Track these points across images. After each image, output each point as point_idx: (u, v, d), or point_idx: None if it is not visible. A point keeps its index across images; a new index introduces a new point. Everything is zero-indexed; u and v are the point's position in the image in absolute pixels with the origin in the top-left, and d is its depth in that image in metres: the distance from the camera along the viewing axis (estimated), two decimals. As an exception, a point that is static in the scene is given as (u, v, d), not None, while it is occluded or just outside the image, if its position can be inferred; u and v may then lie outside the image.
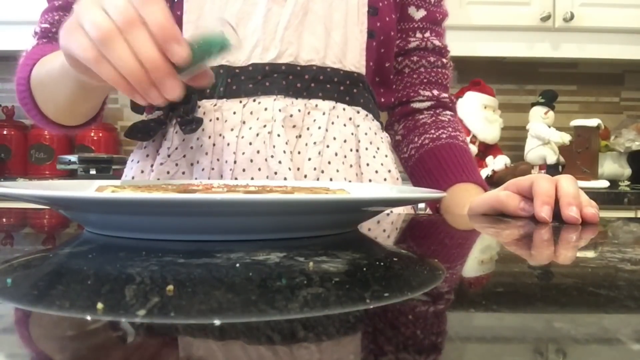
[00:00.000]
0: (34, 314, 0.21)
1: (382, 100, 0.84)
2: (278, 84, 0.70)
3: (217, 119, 0.70)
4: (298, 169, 0.69)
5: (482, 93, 1.92)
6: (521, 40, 1.85)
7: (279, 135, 0.68)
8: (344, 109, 0.73)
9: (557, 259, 0.36)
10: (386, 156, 0.77)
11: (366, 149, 0.74)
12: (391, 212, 0.68)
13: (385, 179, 0.74)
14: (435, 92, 0.85)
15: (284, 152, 0.67)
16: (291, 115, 0.70)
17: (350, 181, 0.70)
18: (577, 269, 0.32)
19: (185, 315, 0.20)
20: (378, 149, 0.76)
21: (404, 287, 0.26)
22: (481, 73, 2.03)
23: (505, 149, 2.00)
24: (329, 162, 0.70)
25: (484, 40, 1.85)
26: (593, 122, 1.81)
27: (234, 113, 0.70)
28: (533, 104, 1.99)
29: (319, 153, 0.69)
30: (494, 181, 1.79)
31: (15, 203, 0.94)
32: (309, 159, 0.69)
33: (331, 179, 0.69)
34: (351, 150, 0.72)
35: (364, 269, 0.30)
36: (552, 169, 1.88)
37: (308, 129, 0.71)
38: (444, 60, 0.86)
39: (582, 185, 1.42)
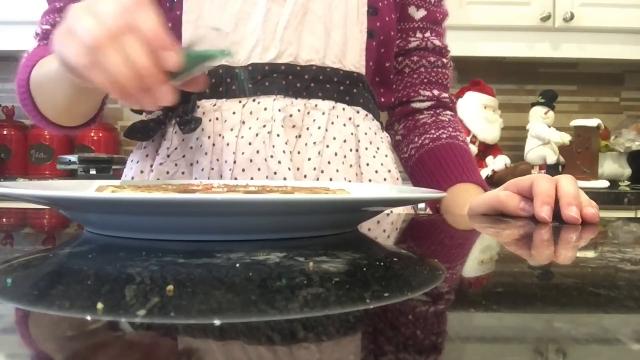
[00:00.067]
0: (34, 314, 0.21)
1: (382, 100, 0.84)
2: (278, 83, 0.70)
3: (217, 119, 0.70)
4: (298, 169, 0.69)
5: (482, 93, 1.92)
6: (521, 40, 1.85)
7: (278, 135, 0.68)
8: (343, 109, 0.73)
9: (557, 259, 0.36)
10: (386, 156, 0.77)
11: (366, 148, 0.74)
12: (391, 212, 0.68)
13: (385, 179, 0.74)
14: (436, 92, 0.85)
15: (284, 152, 0.67)
16: (291, 115, 0.70)
17: (350, 181, 0.70)
18: (577, 269, 0.32)
19: (185, 315, 0.20)
20: (378, 148, 0.76)
21: (404, 287, 0.26)
22: (481, 73, 2.03)
23: (505, 149, 2.00)
24: (329, 162, 0.70)
25: (484, 40, 1.85)
26: (593, 122, 1.81)
27: (234, 113, 0.70)
28: (533, 104, 1.99)
29: (319, 153, 0.69)
30: (494, 181, 1.79)
31: (15, 203, 0.94)
32: (309, 159, 0.69)
33: (331, 179, 0.69)
34: (351, 150, 0.72)
35: (364, 269, 0.30)
36: (552, 169, 1.88)
37: (308, 128, 0.71)
38: (444, 60, 0.86)
39: (582, 185, 1.42)
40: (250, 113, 0.69)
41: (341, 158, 0.71)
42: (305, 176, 0.68)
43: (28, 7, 1.72)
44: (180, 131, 0.70)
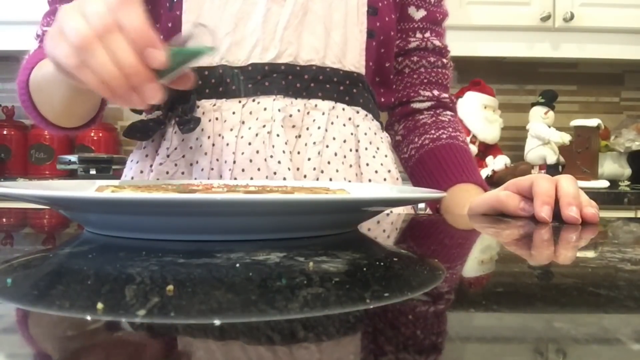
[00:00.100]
0: (34, 314, 0.21)
1: (382, 100, 0.84)
2: (277, 83, 0.70)
3: (217, 119, 0.70)
4: (298, 169, 0.69)
5: (482, 93, 1.92)
6: (521, 40, 1.85)
7: (278, 135, 0.68)
8: (343, 109, 0.73)
9: (557, 259, 0.36)
10: (386, 156, 0.77)
11: (366, 148, 0.74)
12: (391, 212, 0.68)
13: (385, 179, 0.74)
14: (436, 92, 0.85)
15: (283, 152, 0.67)
16: (290, 115, 0.70)
17: (349, 181, 0.70)
18: (577, 269, 0.32)
19: (185, 315, 0.20)
20: (378, 148, 0.76)
21: (404, 287, 0.26)
22: (481, 73, 2.03)
23: (505, 149, 2.00)
24: (329, 162, 0.70)
25: (484, 40, 1.85)
26: (593, 122, 1.81)
27: (233, 113, 0.70)
28: (533, 104, 1.99)
29: (319, 153, 0.69)
30: (494, 181, 1.79)
31: (15, 203, 0.94)
32: (309, 159, 0.69)
33: (331, 179, 0.69)
34: (351, 150, 0.72)
35: (364, 269, 0.30)
36: (552, 169, 1.88)
37: (307, 129, 0.71)
38: (444, 60, 0.86)
39: (582, 185, 1.42)
40: (250, 113, 0.69)
41: (341, 158, 0.71)
42: (305, 176, 0.68)
43: (28, 7, 1.73)
44: (180, 131, 0.70)
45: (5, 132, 2.02)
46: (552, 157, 1.89)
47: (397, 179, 0.77)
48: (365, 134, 0.74)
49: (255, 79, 0.70)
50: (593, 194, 1.56)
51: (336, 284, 0.25)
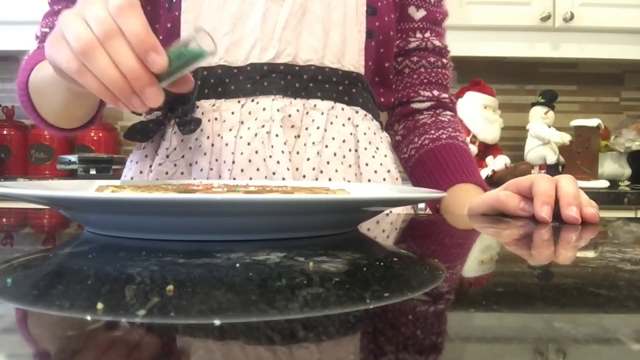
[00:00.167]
0: (34, 314, 0.21)
1: (382, 100, 0.84)
2: (276, 83, 0.70)
3: (216, 119, 0.70)
4: (297, 169, 0.69)
5: (482, 93, 1.92)
6: (521, 40, 1.85)
7: (277, 136, 0.68)
8: (342, 109, 0.73)
9: (557, 259, 0.36)
10: (385, 156, 0.77)
11: (365, 148, 0.74)
12: (390, 212, 0.68)
13: (384, 179, 0.74)
14: (436, 92, 0.85)
15: (282, 152, 0.67)
16: (289, 115, 0.70)
17: (349, 181, 0.70)
18: (577, 269, 0.32)
19: (185, 315, 0.20)
20: (377, 148, 0.76)
21: (404, 287, 0.26)
22: (481, 73, 2.03)
23: (505, 149, 2.00)
24: (328, 162, 0.70)
25: (484, 40, 1.85)
26: (593, 122, 1.81)
27: (232, 113, 0.70)
28: (533, 104, 1.99)
29: (318, 153, 0.69)
30: (494, 181, 1.79)
31: (15, 203, 0.94)
32: (308, 159, 0.69)
33: (330, 179, 0.69)
34: (350, 150, 0.72)
35: (364, 269, 0.30)
36: (552, 169, 1.88)
37: (307, 129, 0.71)
38: (444, 60, 0.86)
39: (582, 185, 1.42)
40: (249, 113, 0.69)
41: (340, 158, 0.71)
42: (304, 176, 0.68)
43: (28, 7, 1.73)
44: (180, 132, 0.70)
45: (5, 132, 2.02)
46: (552, 157, 1.89)
47: (397, 178, 0.77)
48: (365, 133, 0.74)
49: (254, 79, 0.70)
50: (593, 194, 1.56)
51: (336, 284, 0.25)
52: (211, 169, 0.69)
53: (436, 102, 0.85)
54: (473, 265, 0.35)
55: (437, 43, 0.84)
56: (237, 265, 0.29)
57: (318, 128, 0.70)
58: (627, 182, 1.93)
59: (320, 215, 0.39)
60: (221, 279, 0.26)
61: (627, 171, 1.93)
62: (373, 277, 0.27)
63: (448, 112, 0.86)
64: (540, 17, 1.81)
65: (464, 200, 0.71)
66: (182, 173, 0.71)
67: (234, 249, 0.33)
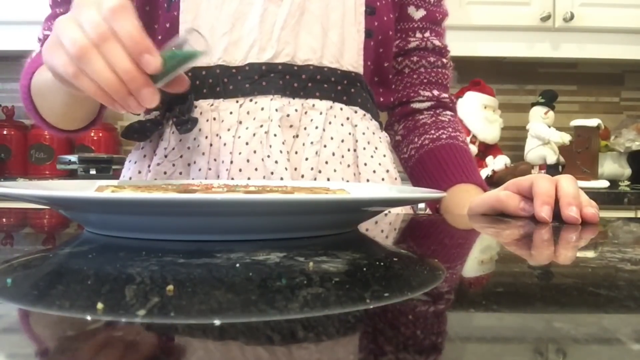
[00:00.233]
0: (34, 314, 0.21)
1: (381, 100, 0.83)
2: (275, 83, 0.70)
3: (214, 119, 0.70)
4: (295, 169, 0.69)
5: (482, 93, 1.92)
6: (521, 40, 1.85)
7: (275, 135, 0.68)
8: (341, 109, 0.73)
9: (557, 259, 0.36)
10: (384, 156, 0.77)
11: (364, 148, 0.74)
12: (389, 212, 0.68)
13: (383, 179, 0.74)
14: (436, 92, 0.85)
15: (281, 152, 0.67)
16: (288, 115, 0.70)
17: (347, 181, 0.70)
18: (577, 269, 0.32)
19: (185, 315, 0.20)
20: (376, 148, 0.76)
21: (404, 287, 0.26)
22: (481, 73, 2.03)
23: (505, 149, 2.00)
24: (326, 162, 0.70)
25: (484, 40, 1.85)
26: (593, 122, 1.81)
27: (231, 113, 0.70)
28: (533, 104, 1.99)
29: (316, 153, 0.69)
30: (494, 181, 1.79)
31: (15, 203, 0.94)
32: (306, 159, 0.69)
33: (328, 179, 0.69)
34: (349, 150, 0.72)
35: (364, 269, 0.30)
36: (552, 169, 1.88)
37: (305, 128, 0.70)
38: (444, 60, 0.86)
39: (582, 185, 1.42)
40: (248, 113, 0.69)
41: (339, 158, 0.71)
42: (302, 176, 0.68)
43: (28, 7, 1.73)
44: (177, 131, 0.70)
45: (5, 132, 2.02)
46: (552, 157, 1.89)
47: (396, 178, 0.77)
48: (364, 133, 0.74)
49: (253, 78, 0.70)
50: (593, 194, 1.56)
51: (336, 284, 0.25)
52: (209, 169, 0.69)
53: (436, 102, 0.85)
54: (473, 265, 0.35)
55: (437, 43, 0.84)
56: (237, 265, 0.29)
57: (317, 128, 0.70)
58: (627, 182, 1.93)
59: (320, 215, 0.39)
60: (221, 279, 0.26)
61: (627, 171, 1.93)
62: (373, 277, 0.27)
63: (448, 112, 0.86)
64: (540, 17, 1.81)
65: (464, 200, 0.71)
66: (180, 173, 0.71)
67: (234, 249, 0.33)
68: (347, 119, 0.73)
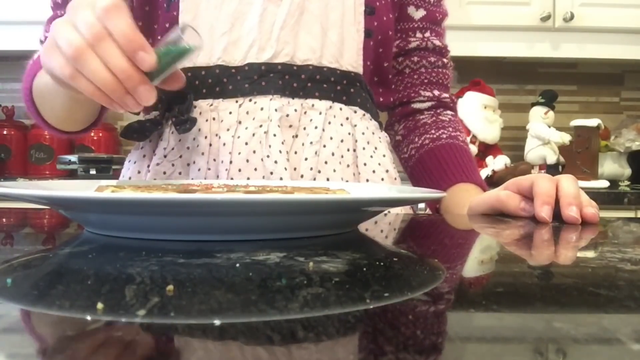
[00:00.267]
0: (34, 314, 0.21)
1: (381, 99, 0.83)
2: (274, 83, 0.70)
3: (214, 119, 0.70)
4: (295, 169, 0.69)
5: (482, 93, 1.92)
6: (521, 40, 1.85)
7: (275, 135, 0.68)
8: (340, 109, 0.73)
9: (557, 259, 0.36)
10: (384, 156, 0.76)
11: (363, 148, 0.74)
12: (389, 212, 0.68)
13: (382, 179, 0.74)
14: (436, 92, 0.85)
15: (280, 152, 0.67)
16: (287, 115, 0.70)
17: (347, 181, 0.70)
18: (577, 269, 0.32)
19: (185, 315, 0.20)
20: (376, 148, 0.76)
21: (404, 287, 0.26)
22: (481, 73, 2.03)
23: (505, 149, 2.00)
24: (326, 162, 0.70)
25: (484, 40, 1.85)
26: (593, 122, 1.81)
27: (230, 113, 0.70)
28: (533, 104, 1.99)
29: (316, 153, 0.69)
30: (494, 181, 1.79)
31: (15, 203, 0.94)
32: (306, 159, 0.69)
33: (328, 179, 0.69)
34: (348, 150, 0.72)
35: (364, 269, 0.30)
36: (552, 169, 1.88)
37: (305, 128, 0.70)
38: (445, 60, 0.86)
39: (582, 185, 1.42)
40: (247, 113, 0.69)
41: (338, 158, 0.71)
42: (302, 176, 0.68)
43: (28, 7, 1.73)
44: (177, 131, 0.70)
45: (5, 132, 2.02)
46: (552, 157, 1.89)
47: (395, 178, 0.77)
48: (363, 133, 0.74)
49: (252, 78, 0.70)
50: (593, 194, 1.56)
51: (336, 284, 0.25)
52: (209, 169, 0.69)
53: (437, 102, 0.85)
54: (473, 265, 0.35)
55: (437, 43, 0.84)
56: (237, 265, 0.29)
57: (316, 128, 0.70)
58: (627, 182, 1.93)
59: (320, 215, 0.39)
60: (221, 279, 0.26)
61: (627, 171, 1.93)
62: (373, 277, 0.27)
63: (449, 112, 0.86)
64: (540, 17, 1.81)
65: (464, 200, 0.71)
66: (179, 173, 0.71)
67: (234, 249, 0.33)
68: (347, 119, 0.73)
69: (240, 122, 0.69)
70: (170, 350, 0.18)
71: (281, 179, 0.66)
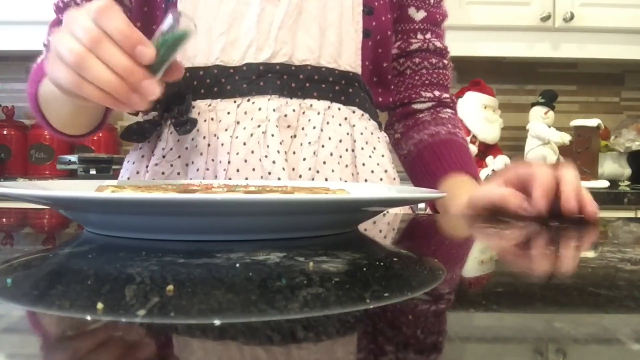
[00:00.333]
0: (34, 314, 0.21)
1: (380, 100, 0.83)
2: (272, 83, 0.70)
3: (212, 119, 0.70)
4: (293, 169, 0.69)
5: (482, 93, 1.92)
6: (521, 40, 1.85)
7: (273, 135, 0.68)
8: (339, 109, 0.73)
9: (557, 258, 0.36)
10: (383, 156, 0.76)
11: (362, 148, 0.74)
12: (387, 212, 0.68)
13: (381, 179, 0.74)
14: (437, 92, 0.85)
15: (278, 152, 0.67)
16: (285, 115, 0.70)
17: (346, 181, 0.70)
18: (577, 269, 0.32)
19: (185, 315, 0.20)
20: (374, 148, 0.76)
21: (404, 287, 0.26)
22: (481, 73, 2.03)
23: (505, 149, 2.00)
24: (324, 162, 0.70)
25: (484, 40, 1.85)
26: (593, 122, 1.81)
27: (228, 113, 0.70)
28: (533, 104, 1.99)
29: (314, 153, 0.69)
30: (494, 181, 1.78)
31: (15, 203, 0.94)
32: (304, 159, 0.69)
33: (326, 179, 0.69)
34: (347, 150, 0.72)
35: (364, 269, 0.30)
36: (552, 169, 1.87)
37: (303, 128, 0.70)
38: (445, 61, 0.86)
39: (582, 185, 1.42)
40: (245, 113, 0.69)
41: (337, 158, 0.71)
42: (300, 176, 0.68)
43: (28, 7, 1.73)
44: (177, 132, 0.70)
45: (5, 132, 2.02)
46: (552, 157, 1.89)
47: (394, 178, 0.77)
48: (362, 133, 0.74)
49: (250, 78, 0.70)
50: (593, 194, 1.55)
51: (336, 284, 0.25)
52: (207, 169, 0.69)
53: (437, 102, 0.85)
54: (473, 265, 0.35)
55: (438, 44, 0.84)
56: (237, 265, 0.29)
57: (314, 128, 0.70)
58: (627, 182, 1.93)
59: (320, 215, 0.39)
60: (221, 279, 0.26)
61: (627, 171, 1.93)
62: (373, 277, 0.27)
63: (448, 110, 0.86)
64: (540, 17, 1.81)
65: (460, 190, 0.70)
66: (178, 173, 0.71)
67: (234, 249, 0.33)
68: (345, 119, 0.73)
69: (238, 122, 0.69)
70: (170, 350, 0.18)
71: (279, 179, 0.66)
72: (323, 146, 0.70)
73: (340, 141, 0.72)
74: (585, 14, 1.81)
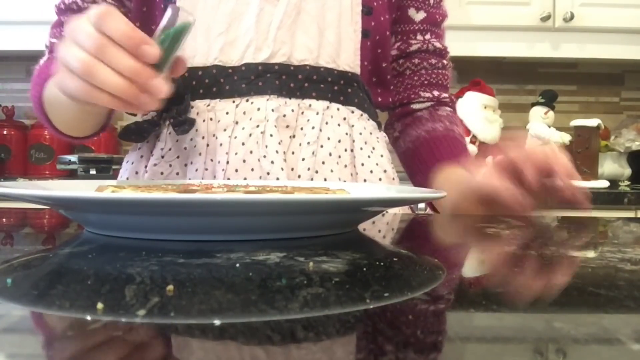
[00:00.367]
0: (34, 314, 0.21)
1: (380, 100, 0.83)
2: (271, 83, 0.70)
3: (211, 119, 0.70)
4: (292, 169, 0.69)
5: (482, 93, 1.92)
6: (521, 40, 1.85)
7: (271, 136, 0.68)
8: (338, 109, 0.73)
9: (558, 258, 0.36)
10: (382, 156, 0.76)
11: (361, 148, 0.74)
12: (387, 212, 0.68)
13: (380, 179, 0.74)
14: (436, 92, 0.85)
15: (277, 152, 0.67)
16: (284, 115, 0.70)
17: (344, 181, 0.70)
18: (577, 269, 0.32)
19: (185, 315, 0.20)
20: (373, 148, 0.76)
21: (404, 287, 0.26)
22: (481, 73, 2.03)
23: (505, 149, 1.99)
24: (323, 162, 0.70)
25: (484, 40, 1.85)
26: (593, 122, 1.81)
27: (227, 113, 0.70)
28: (533, 104, 1.99)
29: (313, 153, 0.69)
30: (494, 181, 1.78)
31: (15, 203, 0.94)
32: (303, 159, 0.69)
33: (325, 179, 0.69)
34: (345, 150, 0.72)
35: (364, 269, 0.30)
36: (552, 169, 1.87)
37: (302, 129, 0.70)
38: (445, 61, 0.86)
39: (582, 186, 1.42)
40: (244, 113, 0.69)
41: (335, 158, 0.71)
42: (299, 176, 0.68)
43: (28, 7, 1.73)
44: (175, 132, 0.70)
45: (5, 132, 2.01)
46: (552, 157, 1.89)
47: (393, 179, 0.77)
48: (361, 133, 0.74)
49: (249, 79, 0.70)
50: (593, 194, 1.56)
51: (336, 284, 0.26)
52: (206, 169, 0.69)
53: (436, 102, 0.85)
54: (473, 265, 0.35)
55: (437, 45, 0.84)
56: (237, 265, 0.29)
57: (313, 128, 0.70)
58: (627, 182, 1.93)
59: (320, 215, 0.39)
60: (221, 279, 0.26)
61: (627, 171, 1.93)
62: (373, 277, 0.27)
63: (447, 108, 0.86)
64: (540, 17, 1.80)
65: (451, 179, 0.71)
66: (177, 173, 0.71)
67: (234, 249, 0.33)
68: (344, 119, 0.73)
69: (237, 123, 0.69)
70: (170, 350, 0.18)
71: (278, 179, 0.66)
72: (322, 146, 0.70)
73: (339, 141, 0.72)
74: (585, 14, 1.81)
